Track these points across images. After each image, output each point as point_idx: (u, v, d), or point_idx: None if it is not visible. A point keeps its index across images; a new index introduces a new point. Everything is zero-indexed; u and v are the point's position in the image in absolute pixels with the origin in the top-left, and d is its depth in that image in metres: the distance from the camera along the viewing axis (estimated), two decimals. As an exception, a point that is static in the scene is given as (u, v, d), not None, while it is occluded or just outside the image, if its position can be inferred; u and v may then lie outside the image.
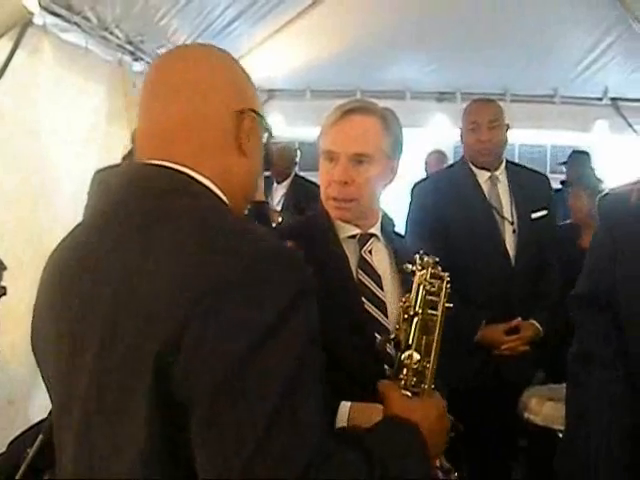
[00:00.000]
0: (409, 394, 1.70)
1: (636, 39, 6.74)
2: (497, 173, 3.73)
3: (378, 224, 2.18)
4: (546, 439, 3.31)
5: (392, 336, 1.84)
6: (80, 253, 1.30)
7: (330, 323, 1.75)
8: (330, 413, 1.79)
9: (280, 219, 5.28)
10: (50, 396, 1.39)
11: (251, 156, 1.43)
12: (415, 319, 1.77)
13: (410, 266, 1.87)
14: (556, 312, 3.61)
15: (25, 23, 3.77)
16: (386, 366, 2.00)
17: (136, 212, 1.26)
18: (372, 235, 2.15)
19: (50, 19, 4.10)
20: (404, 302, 1.81)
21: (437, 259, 1.87)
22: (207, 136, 1.37)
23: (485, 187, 3.71)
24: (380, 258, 2.15)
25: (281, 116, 7.08)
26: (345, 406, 1.86)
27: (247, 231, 1.23)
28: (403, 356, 1.75)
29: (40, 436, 2.50)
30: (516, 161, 8.67)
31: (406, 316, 1.79)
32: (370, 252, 2.13)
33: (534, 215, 3.67)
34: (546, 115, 7.64)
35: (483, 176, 3.72)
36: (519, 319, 3.58)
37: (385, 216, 2.23)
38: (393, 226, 2.27)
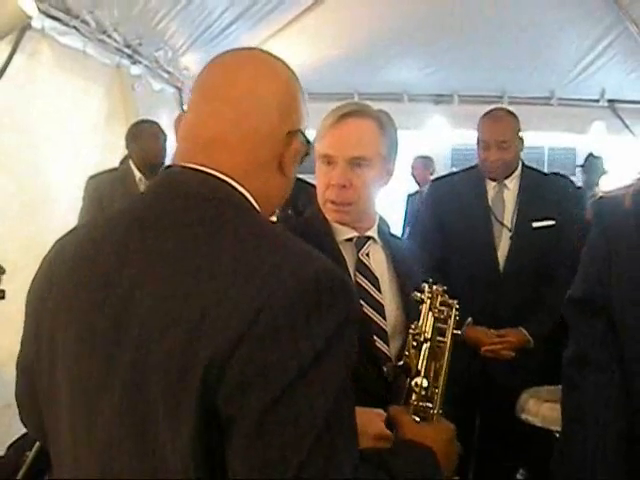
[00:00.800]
0: (418, 419, 1.72)
1: (633, 41, 6.77)
2: (506, 181, 3.68)
3: (375, 227, 2.19)
4: (544, 440, 3.32)
5: (401, 363, 1.84)
6: (117, 253, 1.24)
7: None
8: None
9: (275, 218, 5.27)
10: (44, 394, 1.36)
11: (289, 176, 1.42)
12: (424, 346, 1.79)
13: (419, 294, 1.89)
14: (549, 326, 3.61)
15: (23, 27, 3.77)
16: (384, 367, 2.02)
17: (181, 218, 1.23)
18: (369, 238, 2.15)
19: (48, 23, 4.11)
20: (414, 329, 1.82)
21: (445, 287, 1.90)
22: (257, 152, 1.34)
23: (491, 192, 3.68)
24: (377, 260, 2.16)
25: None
26: None
27: (304, 251, 1.20)
28: (413, 383, 1.76)
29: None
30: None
31: (415, 343, 1.81)
32: (367, 254, 2.13)
33: (536, 224, 3.62)
34: (543, 117, 7.65)
35: (490, 184, 3.70)
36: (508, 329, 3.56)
37: (380, 218, 2.23)
38: (388, 227, 2.27)
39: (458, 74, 7.30)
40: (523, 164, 3.77)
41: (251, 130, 1.33)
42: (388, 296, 2.12)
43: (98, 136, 4.70)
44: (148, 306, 1.15)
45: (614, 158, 7.52)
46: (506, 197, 3.69)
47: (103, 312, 1.21)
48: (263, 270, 1.11)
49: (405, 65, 7.38)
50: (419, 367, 1.78)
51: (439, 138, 7.73)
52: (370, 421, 1.72)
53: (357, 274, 2.10)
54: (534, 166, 3.91)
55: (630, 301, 1.68)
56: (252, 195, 1.32)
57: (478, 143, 3.71)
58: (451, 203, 3.72)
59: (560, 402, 1.91)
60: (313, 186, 2.23)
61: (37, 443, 2.61)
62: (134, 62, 5.50)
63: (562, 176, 4.05)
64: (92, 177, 4.58)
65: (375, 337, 2.04)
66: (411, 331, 1.83)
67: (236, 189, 1.29)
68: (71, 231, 1.44)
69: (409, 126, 7.60)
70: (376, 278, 2.11)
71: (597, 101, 7.66)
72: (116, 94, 5.07)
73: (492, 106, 7.00)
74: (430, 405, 1.76)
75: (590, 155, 7.00)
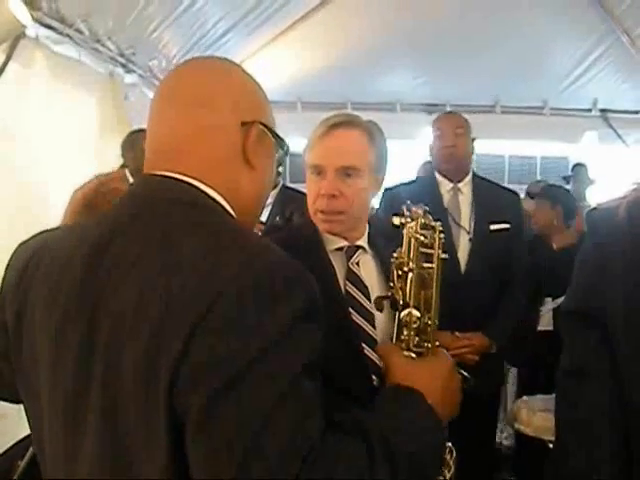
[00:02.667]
0: (413, 355, 1.65)
1: (625, 51, 6.80)
2: (460, 185, 3.82)
3: (365, 236, 2.20)
4: (536, 450, 3.33)
5: (388, 294, 1.77)
6: (91, 261, 1.26)
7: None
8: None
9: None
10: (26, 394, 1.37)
11: (260, 170, 1.42)
12: (410, 275, 1.70)
13: (398, 219, 1.79)
14: (510, 329, 3.65)
15: (17, 35, 3.77)
16: (374, 376, 2.02)
17: (148, 225, 1.26)
18: (359, 247, 2.16)
19: (43, 31, 4.10)
20: (396, 258, 1.73)
21: (427, 208, 1.81)
22: (215, 149, 1.35)
23: (446, 196, 3.81)
24: (368, 270, 2.16)
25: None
26: None
27: (259, 245, 1.22)
28: (402, 314, 1.69)
29: (31, 448, 2.51)
30: (506, 172, 8.78)
31: (400, 273, 1.72)
32: (357, 264, 2.14)
33: (493, 227, 3.72)
34: (536, 126, 7.68)
35: (446, 186, 3.83)
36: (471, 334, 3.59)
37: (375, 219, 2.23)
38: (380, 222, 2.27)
39: (450, 84, 7.32)
40: (474, 173, 3.90)
41: (204, 128, 1.35)
42: None
43: (91, 144, 4.69)
44: (117, 310, 1.18)
45: (606, 168, 7.56)
46: (461, 200, 3.81)
47: (76, 318, 1.24)
48: (217, 264, 1.13)
49: (397, 75, 7.41)
50: (407, 298, 1.70)
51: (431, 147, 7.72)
52: None
53: (347, 283, 2.10)
54: (526, 175, 4.02)
55: (624, 313, 1.68)
56: (221, 193, 1.34)
57: (432, 141, 3.90)
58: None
59: (554, 414, 1.91)
60: (303, 194, 2.24)
61: (29, 452, 2.61)
62: (128, 71, 5.49)
63: (510, 190, 4.12)
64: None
65: (365, 346, 2.05)
66: (394, 260, 1.74)
67: (204, 192, 1.31)
68: (44, 232, 1.46)
69: (402, 136, 7.60)
70: (366, 287, 2.11)
71: (589, 111, 7.69)
72: (110, 103, 5.07)
73: (484, 115, 7.08)
74: (424, 338, 1.69)
75: (577, 165, 7.02)
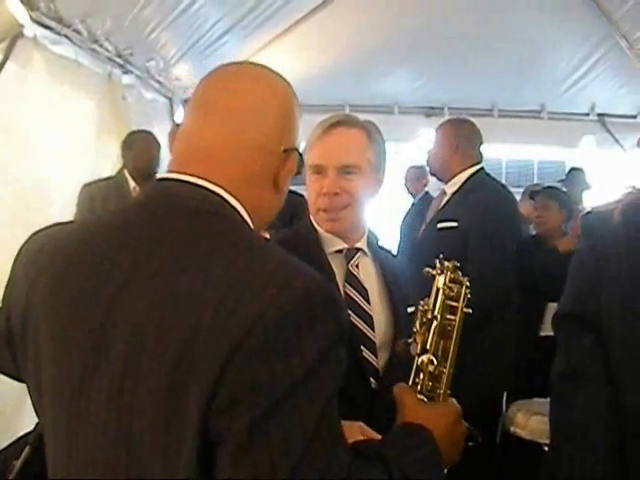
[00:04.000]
0: (424, 399, 1.68)
1: (623, 56, 6.81)
2: (446, 187, 3.92)
3: (364, 238, 2.19)
4: (531, 452, 3.33)
5: (410, 340, 1.79)
6: (104, 263, 1.22)
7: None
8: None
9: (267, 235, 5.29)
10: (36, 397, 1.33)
11: (282, 192, 1.43)
12: (434, 323, 1.74)
13: (431, 270, 1.83)
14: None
15: (15, 35, 3.77)
16: (372, 379, 2.02)
17: (172, 231, 1.22)
18: (358, 249, 2.16)
19: (40, 31, 4.09)
20: (423, 306, 1.77)
21: (457, 264, 1.84)
22: (252, 166, 1.34)
23: (435, 200, 4.02)
24: (367, 272, 2.16)
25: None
26: None
27: (294, 265, 1.19)
28: (420, 360, 1.71)
29: (27, 448, 2.50)
30: (503, 176, 8.78)
31: (424, 320, 1.75)
32: (357, 266, 2.13)
33: (440, 225, 3.77)
34: (533, 130, 7.69)
35: (441, 189, 4.02)
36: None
37: (369, 231, 2.24)
38: (377, 240, 2.28)
39: (448, 87, 7.33)
40: (480, 175, 3.88)
41: (247, 143, 1.34)
42: (377, 308, 2.12)
43: (89, 145, 4.69)
44: (136, 319, 1.15)
45: (604, 172, 7.57)
46: (442, 201, 3.95)
47: (86, 319, 1.21)
48: (255, 284, 1.11)
49: (396, 77, 7.41)
50: (427, 345, 1.73)
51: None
52: (350, 435, 1.72)
53: (346, 285, 2.10)
54: (524, 179, 4.03)
55: (619, 316, 1.67)
56: (244, 206, 1.32)
57: None
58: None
59: (548, 417, 1.91)
60: (300, 196, 2.24)
61: (25, 452, 2.60)
62: (125, 72, 5.49)
63: (502, 189, 4.06)
64: (86, 185, 4.59)
65: (363, 348, 2.05)
66: (420, 307, 1.77)
67: (228, 202, 1.30)
68: (54, 226, 1.43)
69: (400, 138, 7.63)
70: (365, 290, 2.11)
71: (587, 115, 7.70)
72: (107, 103, 5.07)
73: (482, 119, 7.10)
74: (437, 385, 1.71)
75: (572, 169, 7.01)
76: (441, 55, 6.88)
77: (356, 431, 1.74)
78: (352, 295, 2.09)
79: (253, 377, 1.05)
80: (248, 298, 1.09)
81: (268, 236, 4.88)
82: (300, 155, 1.44)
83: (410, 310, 2.23)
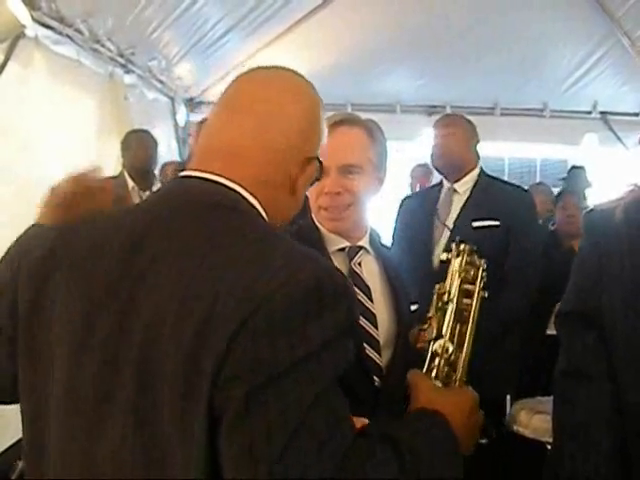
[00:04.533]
0: (440, 384, 1.65)
1: (625, 53, 6.80)
2: (456, 185, 3.83)
3: (367, 237, 2.19)
4: (534, 451, 3.32)
5: (425, 326, 1.78)
6: (126, 253, 1.26)
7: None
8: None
9: None
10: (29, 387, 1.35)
11: (299, 197, 1.45)
12: (450, 307, 1.73)
13: (446, 254, 1.85)
14: (499, 330, 3.61)
15: (17, 35, 3.77)
16: (375, 377, 2.02)
17: (189, 224, 1.26)
18: (361, 248, 2.15)
19: (42, 31, 4.10)
20: (439, 289, 1.76)
21: (475, 247, 1.85)
22: (272, 169, 1.37)
23: (442, 196, 3.87)
24: (370, 270, 2.15)
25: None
26: None
27: (308, 253, 1.23)
28: (435, 345, 1.70)
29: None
30: (505, 174, 8.75)
31: (440, 304, 1.75)
32: (359, 264, 2.13)
33: (476, 224, 3.67)
34: (536, 129, 7.68)
35: (445, 187, 3.90)
36: None
37: (371, 229, 2.23)
38: (379, 237, 2.28)
39: (451, 85, 7.32)
40: (485, 173, 3.90)
41: (270, 146, 1.36)
42: (380, 305, 2.11)
43: (91, 144, 4.69)
44: (157, 304, 1.18)
45: (606, 170, 7.56)
46: (455, 201, 3.83)
47: (108, 308, 1.24)
48: (266, 269, 1.14)
49: (398, 76, 7.40)
50: (443, 330, 1.71)
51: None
52: None
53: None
54: (526, 178, 3.99)
55: (621, 313, 1.67)
56: (261, 204, 1.35)
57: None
58: (408, 214, 4.01)
59: (551, 416, 1.90)
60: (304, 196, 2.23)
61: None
62: (127, 71, 5.50)
63: (517, 186, 4.11)
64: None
65: (366, 346, 2.04)
66: (436, 291, 1.77)
67: (245, 198, 1.33)
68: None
69: (402, 137, 7.61)
70: (368, 287, 2.10)
71: (589, 113, 7.69)
72: (109, 103, 5.07)
73: (484, 117, 7.08)
74: (453, 371, 1.69)
75: (573, 167, 7.01)
76: (443, 53, 6.88)
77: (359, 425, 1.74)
78: (355, 294, 2.08)
79: (255, 354, 1.08)
80: (259, 282, 1.12)
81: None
82: (320, 163, 1.46)
83: (413, 308, 2.23)
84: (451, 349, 1.68)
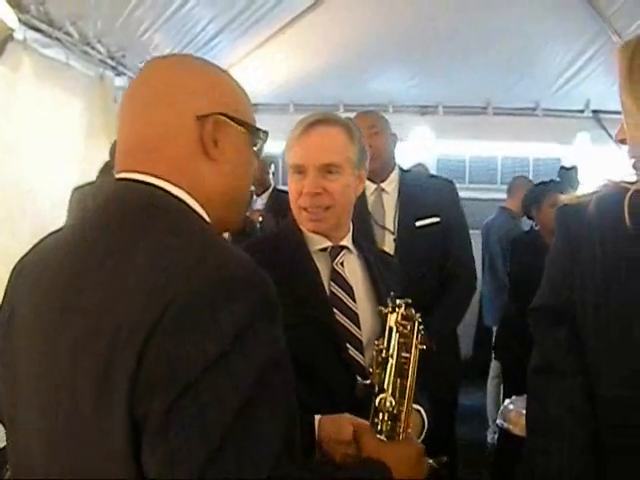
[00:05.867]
0: (384, 438, 1.70)
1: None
2: (383, 185, 3.74)
3: (349, 236, 2.19)
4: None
5: (368, 382, 1.83)
6: (62, 270, 1.28)
7: (302, 335, 1.77)
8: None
9: (261, 219, 5.30)
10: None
11: (224, 161, 1.40)
12: (390, 362, 1.77)
13: (384, 309, 1.86)
14: (449, 326, 3.62)
15: (5, 38, 3.76)
16: (358, 376, 2.02)
17: (111, 232, 1.26)
18: (343, 247, 2.16)
19: (31, 34, 4.09)
20: (377, 345, 1.80)
21: (409, 300, 1.86)
22: (172, 146, 1.35)
23: (370, 199, 3.72)
24: (352, 270, 2.16)
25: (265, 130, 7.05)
26: (314, 419, 1.83)
27: (218, 248, 1.22)
28: (377, 400, 1.74)
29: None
30: (498, 173, 8.76)
31: (380, 359, 1.78)
32: (342, 264, 2.14)
33: (419, 223, 3.63)
34: (528, 128, 7.67)
35: (370, 188, 3.72)
36: None
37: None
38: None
39: (442, 85, 7.32)
40: (400, 168, 3.84)
41: (157, 127, 1.36)
42: (363, 305, 2.12)
43: (79, 148, 4.68)
44: (81, 313, 1.19)
45: (599, 168, 7.55)
46: (385, 201, 3.73)
47: (44, 319, 1.26)
48: (170, 265, 1.13)
49: (390, 76, 7.40)
50: (385, 385, 1.75)
51: (424, 149, 7.73)
52: (340, 427, 1.74)
53: (331, 284, 2.10)
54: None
55: (593, 307, 1.68)
56: (188, 192, 1.34)
57: None
58: None
59: (525, 412, 1.91)
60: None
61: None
62: (118, 74, 5.49)
63: (442, 179, 4.08)
64: (77, 188, 4.59)
65: (349, 346, 2.05)
66: (375, 347, 1.81)
67: (163, 189, 1.32)
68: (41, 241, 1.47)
69: (394, 137, 7.62)
70: (351, 287, 2.11)
71: (582, 112, 7.68)
72: (99, 106, 5.06)
73: (477, 117, 7.08)
74: (397, 424, 1.74)
75: (562, 168, 7.02)
76: (435, 53, 6.87)
77: (346, 422, 1.75)
78: (337, 293, 2.09)
79: (168, 360, 1.07)
80: (162, 285, 1.11)
81: (261, 219, 4.80)
82: (240, 121, 1.41)
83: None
84: (393, 403, 1.73)
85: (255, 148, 1.48)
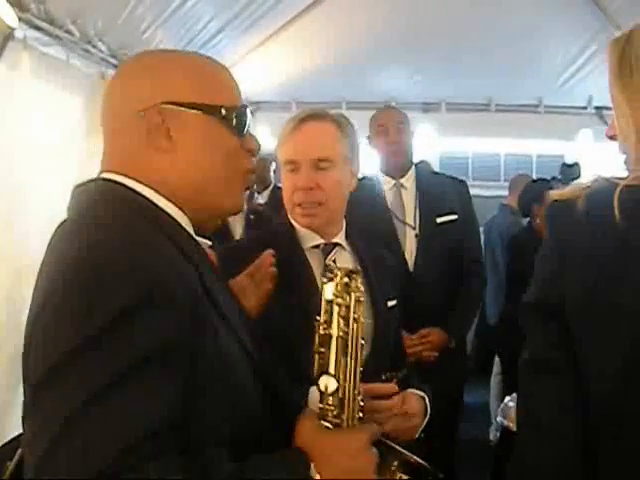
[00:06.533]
0: (329, 425, 1.46)
1: (619, 48, 6.77)
2: (402, 180, 3.78)
3: (342, 233, 2.20)
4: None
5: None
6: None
7: (294, 331, 1.77)
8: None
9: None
10: None
11: (182, 151, 1.37)
12: (333, 340, 1.52)
13: (323, 279, 1.62)
14: (468, 322, 3.62)
15: (5, 37, 3.75)
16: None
17: (63, 228, 1.34)
18: (336, 244, 2.16)
19: (31, 33, 4.07)
20: (317, 322, 1.55)
21: (351, 268, 1.65)
22: (120, 143, 1.38)
23: (389, 194, 3.76)
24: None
25: (268, 128, 7.06)
26: (314, 391, 1.60)
27: (104, 239, 1.22)
28: (320, 383, 1.49)
29: (20, 449, 2.51)
30: (501, 170, 8.77)
31: (320, 338, 1.54)
32: (334, 261, 2.13)
33: (439, 219, 3.66)
34: (531, 124, 7.65)
35: (388, 184, 3.79)
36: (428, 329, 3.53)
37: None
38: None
39: (445, 83, 7.31)
40: (415, 165, 3.89)
41: (114, 122, 1.41)
42: None
43: (80, 146, 4.64)
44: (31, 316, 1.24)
45: (601, 164, 7.54)
46: (405, 196, 3.77)
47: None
48: (66, 252, 1.21)
49: (393, 73, 7.38)
50: (331, 367, 1.50)
51: (427, 145, 7.72)
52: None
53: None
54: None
55: (583, 304, 1.68)
56: (149, 185, 1.35)
57: (374, 138, 3.84)
58: (358, 212, 3.68)
59: (516, 408, 1.92)
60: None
61: (18, 453, 2.60)
62: (120, 72, 5.47)
63: (453, 177, 4.11)
64: (78, 186, 4.56)
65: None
66: (316, 324, 1.56)
67: (123, 184, 1.36)
68: None
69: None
70: None
71: (584, 108, 7.66)
72: (98, 104, 5.03)
73: (479, 114, 7.06)
74: (343, 409, 1.49)
75: (563, 165, 7.01)
76: (437, 50, 6.86)
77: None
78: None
79: (41, 348, 1.13)
80: (49, 279, 1.19)
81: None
82: (191, 104, 1.38)
83: (390, 304, 2.23)
84: (335, 386, 1.48)
85: (232, 127, 1.43)
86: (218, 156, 1.42)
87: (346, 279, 1.58)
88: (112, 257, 1.17)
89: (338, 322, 1.52)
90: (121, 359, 1.10)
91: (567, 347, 1.72)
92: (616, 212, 1.61)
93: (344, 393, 1.49)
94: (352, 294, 1.58)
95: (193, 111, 1.38)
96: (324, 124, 2.13)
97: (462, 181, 4.01)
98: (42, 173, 4.07)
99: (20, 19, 3.81)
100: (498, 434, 4.94)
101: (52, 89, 4.34)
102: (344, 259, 2.18)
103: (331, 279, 1.56)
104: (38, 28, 4.18)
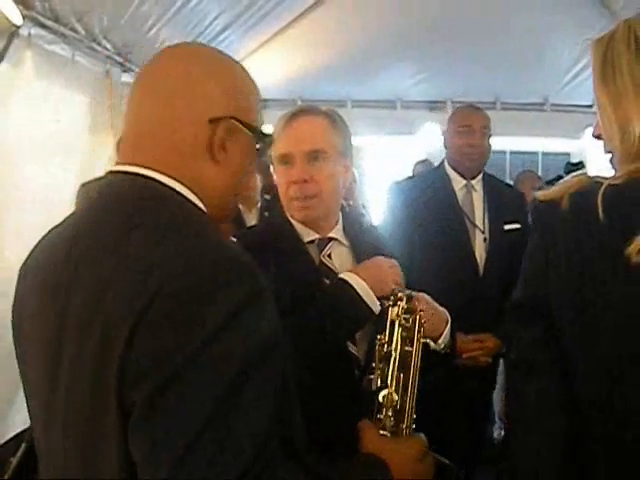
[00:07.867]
0: (388, 434, 1.67)
1: (624, 46, 6.75)
2: (473, 182, 3.71)
3: (338, 227, 2.20)
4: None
5: (372, 376, 1.81)
6: (61, 264, 1.28)
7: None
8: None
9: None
10: (28, 403, 1.39)
11: (227, 166, 1.38)
12: (392, 357, 1.75)
13: (385, 302, 1.85)
14: None
15: (10, 34, 3.76)
16: (355, 370, 2.03)
17: (105, 222, 1.26)
18: (331, 239, 2.17)
19: (36, 30, 4.08)
20: (379, 340, 1.78)
21: (411, 293, 1.85)
22: (175, 141, 1.33)
23: (460, 194, 3.69)
24: (342, 262, 2.17)
25: (273, 126, 7.03)
26: None
27: (209, 240, 1.22)
28: (381, 396, 1.72)
29: (23, 445, 2.52)
30: (507, 168, 8.75)
31: (382, 354, 1.77)
32: (329, 256, 2.14)
33: (507, 227, 3.62)
34: (537, 123, 7.64)
35: (459, 183, 3.71)
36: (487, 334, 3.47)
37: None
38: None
39: (451, 80, 7.30)
40: (437, 166, 3.86)
41: (173, 119, 1.33)
42: None
43: (83, 144, 4.67)
44: (80, 308, 1.19)
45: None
46: (475, 198, 3.70)
47: (48, 313, 1.27)
48: (159, 258, 1.13)
49: (398, 72, 7.38)
50: (388, 380, 1.73)
51: (432, 144, 7.71)
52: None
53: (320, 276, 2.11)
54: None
55: (568, 301, 1.68)
56: (185, 185, 1.32)
57: (452, 134, 3.73)
58: (422, 204, 3.67)
59: (506, 408, 1.92)
60: None
61: (21, 448, 2.61)
62: (124, 70, 5.48)
63: (511, 186, 4.18)
64: (84, 185, 4.59)
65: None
66: (377, 341, 1.78)
67: (158, 181, 1.30)
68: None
69: (403, 133, 7.62)
70: None
71: (590, 107, 7.63)
72: (105, 102, 5.05)
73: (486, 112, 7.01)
74: (400, 419, 1.72)
75: (568, 163, 7.00)
76: (443, 48, 6.85)
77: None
78: (325, 285, 2.09)
79: (154, 349, 1.08)
80: (149, 276, 1.11)
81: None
82: (251, 128, 1.40)
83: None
84: (396, 399, 1.71)
85: (257, 147, 1.46)
86: (246, 172, 1.47)
87: (408, 303, 1.81)
88: (225, 258, 1.18)
89: (397, 341, 1.75)
90: (236, 361, 1.10)
91: (554, 347, 1.72)
92: (600, 211, 1.61)
93: (402, 405, 1.72)
94: (417, 317, 1.80)
95: (249, 133, 1.41)
96: (316, 118, 2.14)
97: (521, 193, 4.00)
98: (50, 170, 4.07)
99: (25, 17, 3.82)
100: (502, 432, 4.96)
101: (57, 87, 4.34)
102: (341, 254, 2.18)
103: (395, 303, 1.80)
104: (43, 26, 4.18)
